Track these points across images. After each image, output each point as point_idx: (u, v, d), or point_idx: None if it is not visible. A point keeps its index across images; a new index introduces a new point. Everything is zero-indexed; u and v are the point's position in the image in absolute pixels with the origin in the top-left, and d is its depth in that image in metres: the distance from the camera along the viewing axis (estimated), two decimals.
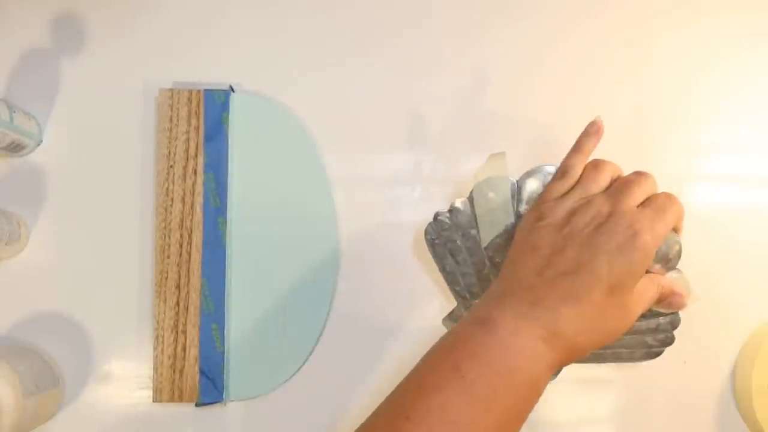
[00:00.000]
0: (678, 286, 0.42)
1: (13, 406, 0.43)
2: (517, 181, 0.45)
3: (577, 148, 0.44)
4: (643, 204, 0.40)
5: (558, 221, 0.40)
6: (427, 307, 0.53)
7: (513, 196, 0.44)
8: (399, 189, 0.54)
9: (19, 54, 0.53)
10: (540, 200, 0.43)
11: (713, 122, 0.55)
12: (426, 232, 0.47)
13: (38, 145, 0.52)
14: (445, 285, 0.49)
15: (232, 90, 0.53)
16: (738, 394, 0.52)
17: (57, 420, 0.50)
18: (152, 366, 0.50)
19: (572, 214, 0.40)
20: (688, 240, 0.54)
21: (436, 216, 0.46)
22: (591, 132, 0.44)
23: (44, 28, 0.53)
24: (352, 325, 0.52)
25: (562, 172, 0.43)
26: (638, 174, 0.42)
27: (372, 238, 0.53)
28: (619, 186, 0.41)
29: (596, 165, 0.42)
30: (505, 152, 0.45)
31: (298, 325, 0.51)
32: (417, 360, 0.53)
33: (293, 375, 0.51)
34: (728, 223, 0.54)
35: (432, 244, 0.47)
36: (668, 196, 0.41)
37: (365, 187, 0.54)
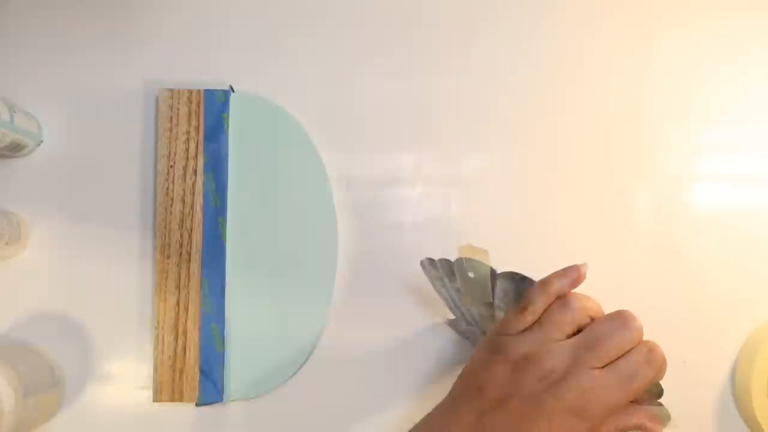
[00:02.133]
0: (652, 421, 0.37)
1: (13, 406, 0.43)
2: (495, 271, 0.40)
3: (545, 283, 0.38)
4: (610, 365, 0.35)
5: (512, 361, 0.36)
6: (427, 306, 0.53)
7: (491, 285, 0.41)
8: (399, 189, 0.54)
9: (19, 54, 0.53)
10: (498, 329, 0.39)
11: (713, 122, 0.55)
12: (423, 262, 0.46)
13: (38, 145, 0.52)
14: None
15: (232, 90, 0.53)
16: (738, 394, 0.52)
17: (57, 420, 0.50)
18: (152, 366, 0.50)
19: (526, 359, 0.36)
20: (688, 240, 0.54)
21: (429, 259, 0.45)
22: (568, 275, 0.38)
23: (44, 28, 0.53)
24: (352, 325, 0.52)
25: (522, 306, 0.38)
26: (618, 323, 0.36)
27: (372, 238, 0.53)
28: (588, 341, 0.35)
29: (564, 305, 0.37)
30: (488, 251, 0.41)
31: (298, 325, 0.51)
32: (417, 359, 0.53)
33: (293, 375, 0.51)
34: (728, 223, 0.54)
35: (429, 274, 0.46)
36: (649, 355, 0.35)
37: (365, 187, 0.54)
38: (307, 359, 0.51)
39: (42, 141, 0.53)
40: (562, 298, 0.37)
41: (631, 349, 0.35)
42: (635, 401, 0.37)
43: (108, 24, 0.54)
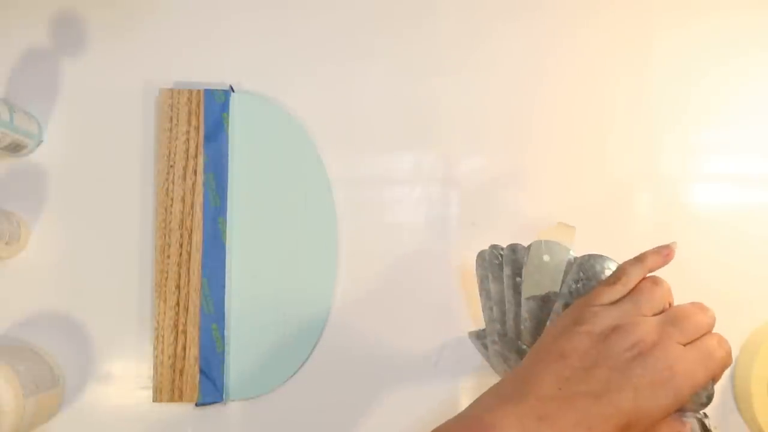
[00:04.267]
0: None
1: (13, 406, 0.43)
2: (575, 258, 0.42)
3: (641, 258, 0.39)
4: (691, 343, 0.36)
5: (598, 332, 0.36)
6: (427, 306, 0.53)
7: (566, 271, 0.42)
8: (399, 189, 0.54)
9: (19, 54, 0.53)
10: (584, 301, 0.38)
11: (713, 122, 0.55)
12: (482, 252, 0.45)
13: (38, 145, 0.52)
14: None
15: (232, 90, 0.53)
16: (738, 394, 0.52)
17: (57, 420, 0.50)
18: (152, 366, 0.50)
19: (615, 329, 0.36)
20: (687, 240, 0.54)
21: (494, 246, 0.45)
22: (661, 252, 0.40)
23: (44, 28, 0.53)
24: (352, 325, 0.52)
25: (616, 277, 0.39)
26: (698, 308, 0.37)
27: (372, 238, 0.53)
28: (673, 317, 0.37)
29: (657, 282, 0.38)
30: (575, 227, 0.42)
31: (298, 325, 0.51)
32: (417, 359, 0.53)
33: (293, 375, 0.51)
34: (728, 223, 0.54)
35: (482, 266, 0.45)
36: (720, 341, 0.36)
37: (365, 187, 0.54)
38: (307, 359, 0.51)
39: (42, 141, 0.53)
40: (653, 277, 0.39)
41: (706, 333, 0.37)
42: (682, 409, 0.37)
43: (108, 24, 0.54)
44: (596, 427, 0.33)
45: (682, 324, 0.36)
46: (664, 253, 0.40)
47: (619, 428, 0.33)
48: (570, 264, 0.42)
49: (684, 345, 0.36)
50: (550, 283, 0.42)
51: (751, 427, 0.52)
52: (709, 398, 0.38)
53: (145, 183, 0.53)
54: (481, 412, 0.35)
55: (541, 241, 0.41)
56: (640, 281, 0.38)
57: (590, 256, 0.41)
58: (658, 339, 0.35)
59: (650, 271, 0.39)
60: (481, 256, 0.46)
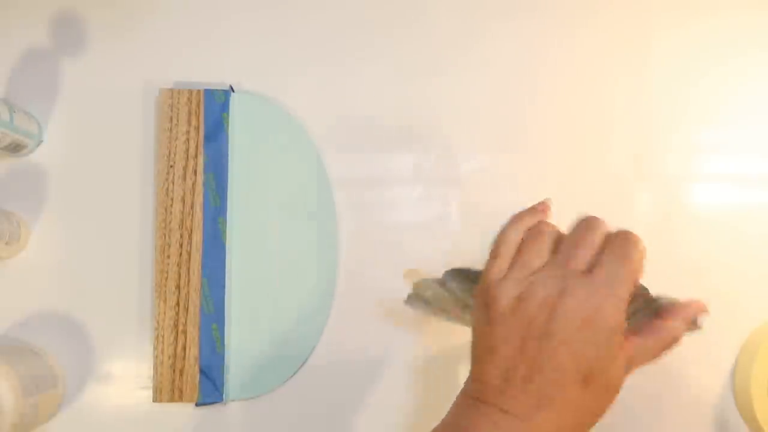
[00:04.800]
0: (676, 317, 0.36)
1: (13, 406, 0.43)
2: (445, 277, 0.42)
3: (515, 220, 0.39)
4: (597, 264, 0.35)
5: (506, 311, 0.35)
6: None
7: (446, 285, 0.42)
8: (399, 189, 0.54)
9: (19, 54, 0.53)
10: (481, 284, 0.37)
11: (713, 122, 0.55)
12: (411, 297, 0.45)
13: (38, 145, 0.52)
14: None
15: (232, 90, 0.53)
16: (738, 394, 0.52)
17: (57, 420, 0.50)
18: (152, 366, 0.50)
19: (518, 299, 0.35)
20: (687, 240, 0.54)
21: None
22: (537, 209, 0.39)
23: (44, 28, 0.53)
24: (352, 324, 0.52)
25: (496, 248, 0.38)
26: (582, 229, 0.36)
27: (372, 238, 0.53)
28: (565, 254, 0.35)
29: (535, 232, 0.37)
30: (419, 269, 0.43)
31: (298, 325, 0.51)
32: (416, 359, 0.53)
33: (293, 375, 0.51)
34: (728, 223, 0.54)
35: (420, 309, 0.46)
36: (625, 239, 0.35)
37: (365, 187, 0.54)
38: (307, 359, 0.51)
39: (42, 141, 0.53)
40: (530, 229, 0.38)
41: (607, 243, 0.35)
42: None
43: (108, 24, 0.54)
44: (555, 397, 0.33)
45: (576, 254, 0.35)
46: (539, 209, 0.39)
47: (578, 388, 0.33)
48: (444, 283, 0.43)
49: (590, 271, 0.34)
50: (453, 303, 0.43)
51: (751, 427, 0.52)
52: (647, 296, 0.36)
53: (145, 183, 0.53)
54: (456, 420, 0.35)
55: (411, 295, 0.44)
56: (522, 240, 0.37)
57: (449, 272, 0.42)
58: (562, 284, 0.34)
59: (527, 228, 0.38)
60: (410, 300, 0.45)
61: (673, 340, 0.35)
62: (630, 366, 0.35)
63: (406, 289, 0.45)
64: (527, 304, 0.34)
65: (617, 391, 0.34)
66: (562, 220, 0.54)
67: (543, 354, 0.33)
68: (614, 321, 0.33)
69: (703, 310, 0.36)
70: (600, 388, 0.33)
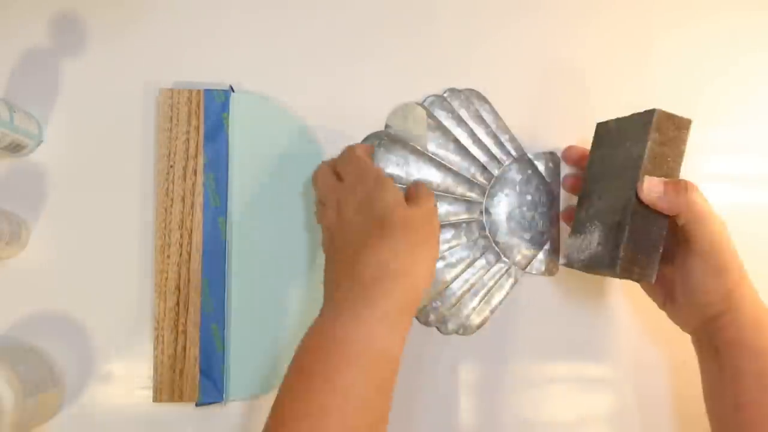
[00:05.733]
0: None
1: (13, 406, 0.43)
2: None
3: (316, 175, 0.50)
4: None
5: (327, 237, 0.48)
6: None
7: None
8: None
9: (19, 54, 0.53)
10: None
11: (713, 122, 0.55)
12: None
13: (38, 145, 0.52)
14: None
15: (232, 90, 0.53)
16: None
17: (57, 420, 0.50)
18: (152, 366, 0.50)
19: (326, 230, 0.48)
20: None
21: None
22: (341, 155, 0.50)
23: (44, 28, 0.53)
24: None
25: (313, 183, 0.50)
26: (344, 158, 0.48)
27: None
28: (338, 173, 0.48)
29: (317, 174, 0.49)
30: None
31: (298, 325, 0.51)
32: (416, 359, 0.53)
33: None
34: (728, 223, 0.54)
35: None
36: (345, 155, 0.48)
37: None
38: None
39: (42, 141, 0.53)
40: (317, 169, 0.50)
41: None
42: None
43: (108, 24, 0.54)
44: (364, 242, 0.43)
45: (345, 170, 0.47)
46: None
47: (377, 233, 0.42)
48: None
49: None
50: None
51: None
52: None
53: (145, 183, 0.53)
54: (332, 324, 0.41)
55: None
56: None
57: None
58: (339, 201, 0.46)
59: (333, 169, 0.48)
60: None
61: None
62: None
63: None
64: (330, 234, 0.47)
65: (423, 225, 0.44)
66: (559, 223, 0.54)
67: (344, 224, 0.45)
68: (367, 174, 0.46)
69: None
70: (390, 226, 0.42)
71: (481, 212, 0.52)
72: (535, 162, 0.53)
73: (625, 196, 0.44)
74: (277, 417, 0.38)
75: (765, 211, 0.55)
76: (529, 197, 0.53)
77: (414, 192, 0.46)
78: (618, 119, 0.48)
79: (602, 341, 0.53)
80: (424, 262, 0.43)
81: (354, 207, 0.44)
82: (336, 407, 0.37)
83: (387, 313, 0.39)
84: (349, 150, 0.48)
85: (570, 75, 0.55)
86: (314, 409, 0.36)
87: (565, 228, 0.53)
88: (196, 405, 0.50)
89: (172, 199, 0.51)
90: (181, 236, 0.51)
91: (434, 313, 0.52)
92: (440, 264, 0.52)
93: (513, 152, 0.53)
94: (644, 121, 0.44)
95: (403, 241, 0.42)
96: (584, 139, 0.55)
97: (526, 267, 0.53)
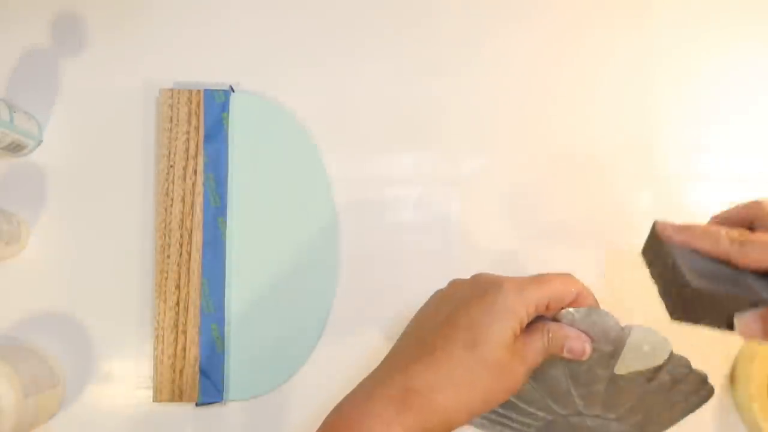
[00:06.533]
0: (574, 332, 0.37)
1: (13, 406, 0.43)
2: (671, 354, 0.39)
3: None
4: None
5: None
6: None
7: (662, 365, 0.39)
8: (399, 189, 0.54)
9: (19, 54, 0.53)
10: None
11: (713, 122, 0.55)
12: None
13: (38, 145, 0.52)
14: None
15: (232, 90, 0.53)
16: (738, 394, 0.52)
17: (57, 420, 0.50)
18: (152, 366, 0.50)
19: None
20: None
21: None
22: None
23: (44, 28, 0.53)
24: (352, 325, 0.52)
25: None
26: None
27: (372, 238, 0.53)
28: None
29: None
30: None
31: (298, 325, 0.51)
32: None
33: (293, 375, 0.51)
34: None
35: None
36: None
37: (365, 187, 0.54)
38: (307, 359, 0.51)
39: (42, 141, 0.53)
40: None
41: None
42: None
43: (108, 24, 0.54)
44: (436, 350, 0.35)
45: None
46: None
47: (463, 347, 0.35)
48: (667, 360, 0.39)
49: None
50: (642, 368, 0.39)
51: (750, 428, 0.52)
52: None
53: (145, 183, 0.53)
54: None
55: (644, 328, 0.38)
56: None
57: (681, 357, 0.39)
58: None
59: None
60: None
61: (557, 340, 0.37)
62: (525, 358, 0.36)
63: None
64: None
65: (510, 375, 0.35)
66: (562, 221, 0.54)
67: (442, 313, 0.37)
68: (510, 300, 0.36)
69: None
70: (485, 358, 0.35)
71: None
72: None
73: None
74: None
75: None
76: None
77: (542, 331, 0.37)
78: None
79: None
80: (476, 408, 0.35)
81: (481, 290, 0.37)
82: None
83: (412, 429, 0.34)
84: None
85: (571, 75, 0.55)
86: None
87: None
88: (196, 405, 0.50)
89: (172, 199, 0.51)
90: (181, 236, 0.51)
91: None
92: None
93: None
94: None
95: (486, 379, 0.35)
96: (582, 138, 0.55)
97: None
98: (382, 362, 0.38)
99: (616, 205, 0.54)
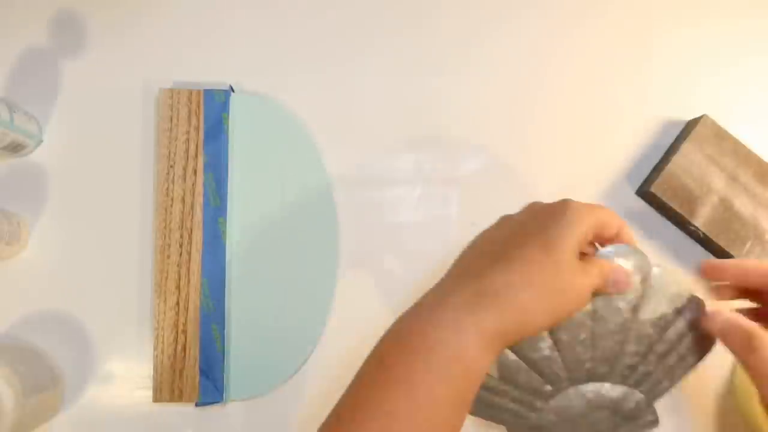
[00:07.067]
0: (617, 265, 0.37)
1: (13, 406, 0.43)
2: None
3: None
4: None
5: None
6: None
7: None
8: (399, 189, 0.54)
9: (19, 54, 0.53)
10: None
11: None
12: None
13: (38, 144, 0.52)
14: None
15: (232, 90, 0.53)
16: (738, 394, 0.52)
17: (57, 420, 0.50)
18: (152, 366, 0.50)
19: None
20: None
21: None
22: None
23: (44, 28, 0.53)
24: (352, 325, 0.52)
25: None
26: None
27: (372, 238, 0.53)
28: None
29: None
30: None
31: (298, 325, 0.51)
32: None
33: (293, 375, 0.51)
34: None
35: None
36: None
37: (365, 187, 0.54)
38: (307, 359, 0.51)
39: (42, 141, 0.53)
40: None
41: None
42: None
43: (108, 24, 0.54)
44: (512, 253, 0.34)
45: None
46: None
47: (537, 249, 0.34)
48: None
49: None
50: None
51: (751, 427, 0.52)
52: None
53: (145, 183, 0.53)
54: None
55: (672, 268, 0.39)
56: None
57: (700, 300, 0.39)
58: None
59: None
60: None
61: (605, 271, 0.36)
62: (589, 274, 0.35)
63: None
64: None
65: (577, 285, 0.34)
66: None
67: (515, 228, 0.37)
68: (580, 212, 0.35)
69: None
70: (558, 261, 0.34)
71: None
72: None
73: None
74: (347, 406, 0.35)
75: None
76: None
77: (602, 266, 0.36)
78: None
79: None
80: (552, 310, 0.34)
81: (552, 210, 0.37)
82: (406, 412, 0.33)
83: (488, 330, 0.33)
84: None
85: (571, 75, 0.55)
86: (383, 412, 0.33)
87: None
88: (196, 405, 0.50)
89: (172, 199, 0.51)
90: (181, 236, 0.51)
91: None
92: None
93: None
94: None
95: (559, 280, 0.34)
96: (582, 138, 0.55)
97: None
98: (444, 279, 0.36)
99: (616, 205, 0.54)
